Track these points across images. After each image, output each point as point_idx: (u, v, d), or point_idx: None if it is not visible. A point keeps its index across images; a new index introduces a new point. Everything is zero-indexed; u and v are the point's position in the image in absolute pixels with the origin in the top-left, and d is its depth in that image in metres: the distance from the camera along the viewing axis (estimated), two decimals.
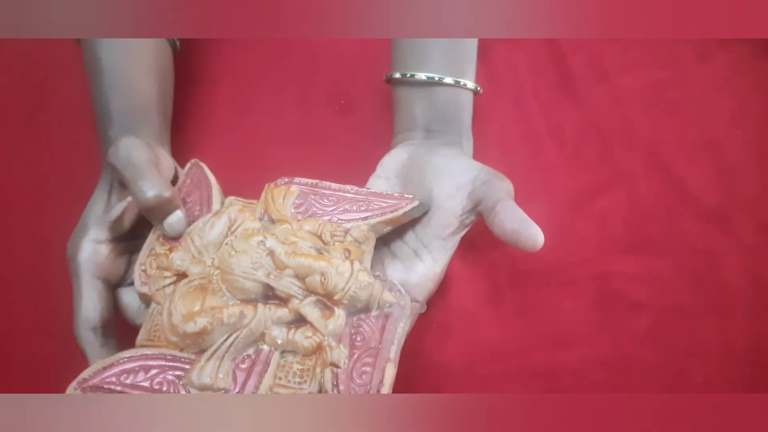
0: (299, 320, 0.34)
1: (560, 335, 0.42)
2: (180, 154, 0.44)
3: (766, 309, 0.42)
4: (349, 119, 0.49)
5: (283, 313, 0.34)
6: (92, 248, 0.37)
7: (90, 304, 0.36)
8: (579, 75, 0.50)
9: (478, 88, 0.43)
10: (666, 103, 0.48)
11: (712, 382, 0.40)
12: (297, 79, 0.51)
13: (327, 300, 0.34)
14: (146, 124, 0.41)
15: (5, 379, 0.43)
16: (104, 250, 0.38)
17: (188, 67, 0.47)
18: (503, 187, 0.37)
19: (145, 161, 0.37)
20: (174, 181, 0.41)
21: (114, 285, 0.38)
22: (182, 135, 0.47)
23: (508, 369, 0.42)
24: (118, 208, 0.38)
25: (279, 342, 0.33)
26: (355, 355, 0.33)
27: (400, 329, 0.34)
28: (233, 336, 0.33)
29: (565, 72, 0.50)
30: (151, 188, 0.36)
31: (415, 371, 0.40)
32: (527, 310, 0.43)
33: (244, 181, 0.47)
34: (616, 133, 0.48)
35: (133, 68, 0.42)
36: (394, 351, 0.33)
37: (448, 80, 0.41)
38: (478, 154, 0.43)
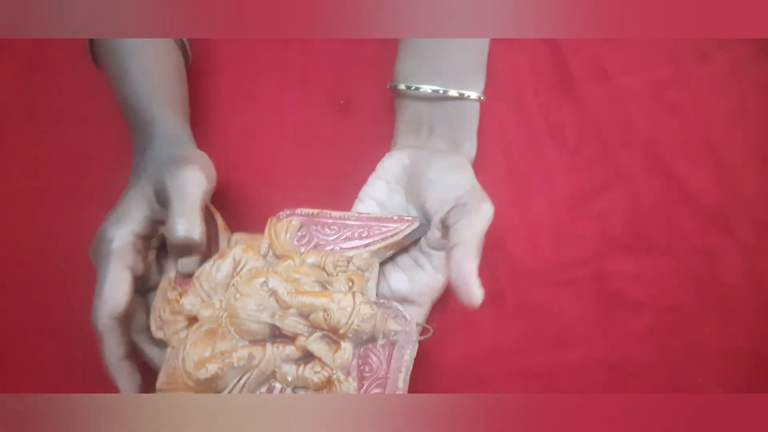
0: (307, 356, 0.35)
1: (560, 335, 0.42)
2: None
3: (766, 309, 0.42)
4: (349, 119, 0.49)
5: (291, 350, 0.34)
6: (130, 240, 0.37)
7: (118, 293, 0.36)
8: (579, 75, 0.49)
9: (482, 98, 0.42)
10: (666, 103, 0.48)
11: (712, 382, 0.40)
12: (297, 79, 0.51)
13: (332, 334, 0.34)
14: (178, 115, 0.43)
15: (5, 379, 0.43)
16: (141, 245, 0.38)
17: (189, 67, 0.47)
18: (477, 219, 0.35)
19: (194, 200, 0.37)
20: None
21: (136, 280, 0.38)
22: None
23: (508, 369, 0.42)
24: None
25: (289, 379, 0.34)
26: (364, 386, 0.34)
27: (407, 356, 0.34)
28: (245, 377, 0.34)
29: (565, 72, 0.50)
30: (185, 229, 0.36)
31: (416, 372, 0.40)
32: (527, 310, 0.43)
33: (244, 182, 0.47)
34: (616, 133, 0.48)
35: (161, 66, 0.43)
36: (402, 379, 0.34)
37: (453, 93, 0.41)
38: (479, 155, 0.43)
